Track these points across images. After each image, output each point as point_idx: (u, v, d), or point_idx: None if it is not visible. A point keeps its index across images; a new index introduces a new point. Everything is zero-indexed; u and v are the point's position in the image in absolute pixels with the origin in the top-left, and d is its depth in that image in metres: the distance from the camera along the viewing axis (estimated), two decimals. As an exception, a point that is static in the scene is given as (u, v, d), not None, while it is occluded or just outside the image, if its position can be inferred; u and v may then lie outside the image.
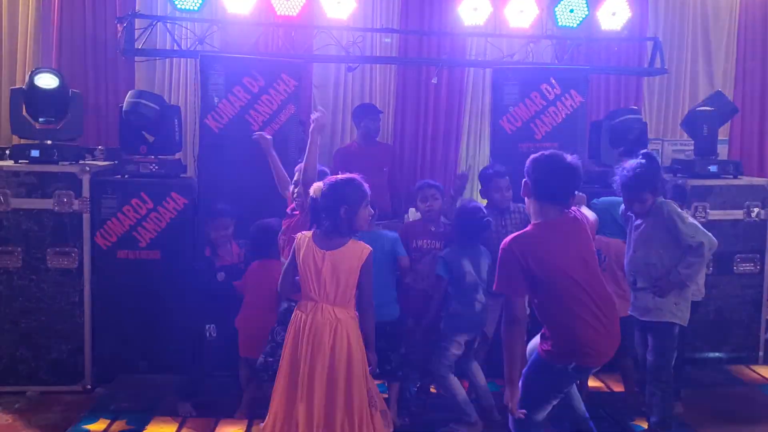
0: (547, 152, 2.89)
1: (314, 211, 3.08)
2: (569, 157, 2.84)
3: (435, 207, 4.09)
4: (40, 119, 4.35)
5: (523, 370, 2.90)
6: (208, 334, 4.02)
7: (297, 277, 3.07)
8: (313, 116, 3.47)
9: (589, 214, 3.29)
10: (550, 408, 2.95)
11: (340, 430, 2.92)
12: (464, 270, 3.82)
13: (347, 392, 2.94)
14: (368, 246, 3.05)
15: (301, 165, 3.53)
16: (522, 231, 2.89)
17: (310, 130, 3.45)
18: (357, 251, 3.00)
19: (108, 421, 3.89)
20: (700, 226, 3.50)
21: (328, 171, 3.51)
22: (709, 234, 3.47)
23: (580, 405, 3.30)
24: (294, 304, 3.31)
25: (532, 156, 2.89)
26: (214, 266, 4.07)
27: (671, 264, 3.48)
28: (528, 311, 2.99)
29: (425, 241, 4.10)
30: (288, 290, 3.14)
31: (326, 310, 2.97)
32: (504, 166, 4.26)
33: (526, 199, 2.93)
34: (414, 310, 3.97)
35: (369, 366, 3.05)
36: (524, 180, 2.89)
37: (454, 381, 3.83)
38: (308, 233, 3.07)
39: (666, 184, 3.55)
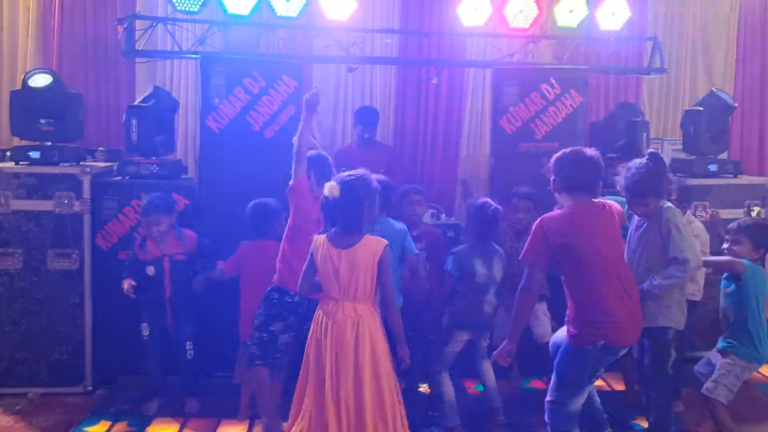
0: (567, 150, 3.18)
1: (328, 210, 3.06)
2: (589, 151, 3.14)
3: (419, 212, 4.22)
4: (42, 120, 4.35)
5: (555, 362, 3.17)
6: (142, 334, 4.07)
7: (316, 279, 3.09)
8: (306, 95, 3.55)
9: (615, 204, 3.33)
10: (585, 395, 3.10)
11: (373, 428, 2.90)
12: (475, 270, 3.80)
13: (377, 388, 2.94)
14: (384, 240, 3.05)
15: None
16: (555, 211, 3.15)
17: (302, 107, 3.55)
18: (372, 247, 3.00)
19: (109, 423, 3.90)
20: (694, 243, 3.41)
21: (329, 157, 3.62)
22: (699, 253, 3.40)
23: (596, 397, 3.37)
24: (277, 294, 3.47)
25: (555, 155, 3.19)
26: (138, 261, 4.06)
27: (655, 271, 3.37)
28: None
29: None
30: (307, 291, 3.15)
31: (347, 307, 2.98)
32: (531, 189, 4.24)
33: (557, 195, 3.19)
34: (408, 316, 3.89)
35: (401, 360, 3.06)
36: (552, 178, 3.17)
37: (447, 381, 3.82)
38: (323, 236, 3.07)
39: (671, 184, 3.52)
